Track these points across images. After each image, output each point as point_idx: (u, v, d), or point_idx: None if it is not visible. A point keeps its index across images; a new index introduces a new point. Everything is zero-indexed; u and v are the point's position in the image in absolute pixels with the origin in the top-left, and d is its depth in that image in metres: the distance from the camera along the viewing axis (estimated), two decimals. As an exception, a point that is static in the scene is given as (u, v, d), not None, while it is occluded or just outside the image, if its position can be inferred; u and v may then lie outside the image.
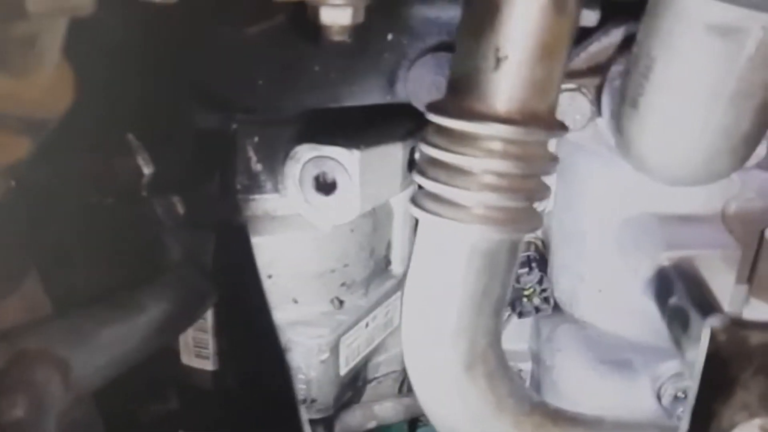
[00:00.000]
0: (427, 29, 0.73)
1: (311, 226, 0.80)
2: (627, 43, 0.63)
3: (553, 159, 0.54)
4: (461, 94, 0.52)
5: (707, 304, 0.50)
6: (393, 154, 0.79)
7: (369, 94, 0.76)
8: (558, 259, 0.84)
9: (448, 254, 0.54)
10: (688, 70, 0.50)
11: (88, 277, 0.63)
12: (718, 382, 0.41)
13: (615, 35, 0.64)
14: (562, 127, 0.53)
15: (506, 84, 0.50)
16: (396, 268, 0.95)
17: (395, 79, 0.75)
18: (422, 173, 0.55)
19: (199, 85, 0.75)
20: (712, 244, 0.64)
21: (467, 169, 0.52)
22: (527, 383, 0.98)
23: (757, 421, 0.41)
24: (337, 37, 0.60)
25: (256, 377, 0.83)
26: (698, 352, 0.40)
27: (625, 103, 0.56)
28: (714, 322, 0.39)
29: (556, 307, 0.91)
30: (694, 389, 0.41)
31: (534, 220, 0.54)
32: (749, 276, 0.63)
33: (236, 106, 0.76)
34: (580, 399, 0.81)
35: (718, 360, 0.40)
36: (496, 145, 0.51)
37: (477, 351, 0.55)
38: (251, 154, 0.80)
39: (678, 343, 0.53)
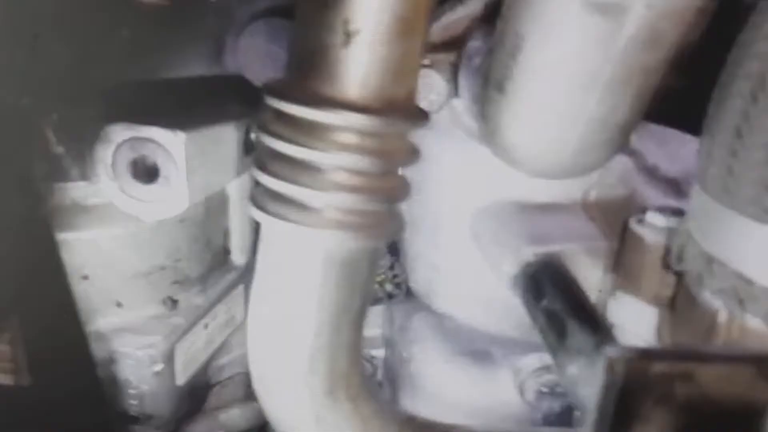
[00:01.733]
0: (258, -11, 0.63)
1: (131, 218, 0.68)
2: (485, 15, 0.56)
3: (414, 152, 0.46)
4: (305, 75, 0.43)
5: (585, 313, 0.46)
6: (225, 136, 0.69)
7: (192, 65, 0.66)
8: (411, 248, 0.78)
9: (299, 265, 0.46)
10: (561, 51, 0.44)
11: None
12: (616, 414, 0.36)
13: (472, 5, 0.57)
14: (424, 116, 0.46)
15: (358, 64, 0.42)
16: (236, 258, 0.85)
17: (222, 47, 0.65)
18: (262, 167, 0.46)
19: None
20: (575, 236, 0.60)
21: (315, 165, 0.44)
22: (380, 370, 0.93)
23: (652, 456, 0.37)
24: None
25: (64, 395, 0.71)
26: (593, 384, 0.35)
27: (489, 86, 0.50)
28: (612, 351, 0.34)
29: (409, 293, 0.85)
30: (589, 423, 0.36)
31: (395, 223, 0.47)
32: (614, 267, 0.59)
33: (26, 77, 0.62)
34: (439, 392, 0.77)
35: (615, 392, 0.35)
36: (349, 138, 0.43)
37: (338, 373, 0.48)
38: (50, 134, 0.66)
39: (553, 352, 0.48)
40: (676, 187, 0.64)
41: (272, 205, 0.46)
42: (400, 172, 0.47)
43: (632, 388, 0.36)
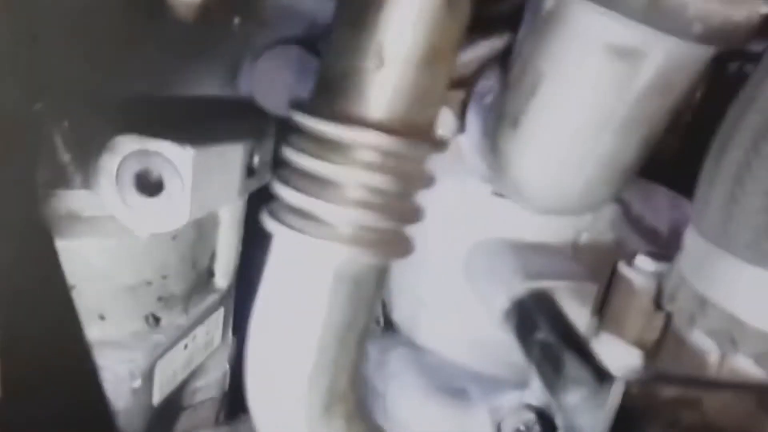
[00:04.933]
0: (279, 18, 0.66)
1: (126, 231, 0.69)
2: (494, 56, 0.60)
3: (430, 177, 0.49)
4: (335, 95, 0.46)
5: (581, 345, 0.48)
6: (231, 157, 0.70)
7: (207, 85, 0.67)
8: (397, 280, 0.79)
9: (309, 279, 0.47)
10: (579, 91, 0.47)
11: None
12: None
13: (482, 47, 0.60)
14: (443, 144, 0.48)
15: (388, 88, 0.44)
16: (219, 281, 0.85)
17: (238, 70, 0.67)
18: (284, 181, 0.47)
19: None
20: (566, 275, 0.62)
21: (337, 181, 0.46)
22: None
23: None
24: (182, 15, 0.51)
25: (65, 406, 0.70)
26: (597, 412, 0.37)
27: (503, 122, 0.53)
28: (622, 377, 0.36)
29: (386, 327, 0.86)
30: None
31: (407, 245, 0.49)
32: (600, 309, 0.62)
33: (42, 83, 0.63)
34: (413, 428, 0.77)
35: (625, 417, 0.37)
36: (373, 156, 0.45)
37: (337, 390, 0.49)
38: (58, 141, 0.67)
39: (549, 384, 0.50)
40: (658, 238, 0.67)
41: (289, 217, 0.47)
42: (414, 196, 0.48)
43: (640, 414, 0.37)
